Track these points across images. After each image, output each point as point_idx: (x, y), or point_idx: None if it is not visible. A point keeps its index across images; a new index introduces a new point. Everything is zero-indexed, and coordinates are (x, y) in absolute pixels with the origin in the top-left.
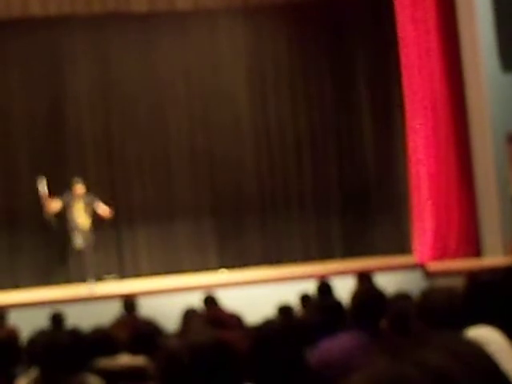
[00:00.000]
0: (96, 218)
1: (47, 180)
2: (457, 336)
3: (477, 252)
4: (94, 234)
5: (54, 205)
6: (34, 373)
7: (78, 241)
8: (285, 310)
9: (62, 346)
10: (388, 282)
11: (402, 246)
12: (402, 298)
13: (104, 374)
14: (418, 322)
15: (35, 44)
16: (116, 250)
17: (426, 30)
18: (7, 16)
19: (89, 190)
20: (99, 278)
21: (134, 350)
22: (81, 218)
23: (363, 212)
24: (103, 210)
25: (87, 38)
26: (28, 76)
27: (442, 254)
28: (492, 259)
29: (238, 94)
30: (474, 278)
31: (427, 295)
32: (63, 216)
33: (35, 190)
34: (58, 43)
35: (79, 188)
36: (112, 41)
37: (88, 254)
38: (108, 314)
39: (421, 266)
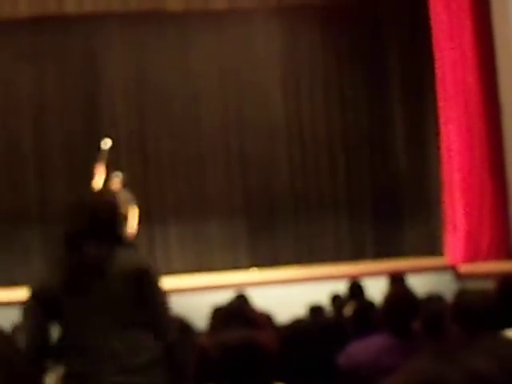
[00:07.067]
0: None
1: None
2: (505, 340)
3: (509, 255)
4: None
5: (98, 179)
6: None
7: None
8: (316, 310)
9: None
10: (419, 284)
11: (433, 247)
12: (435, 299)
13: None
14: (452, 324)
15: (71, 41)
16: (148, 247)
17: (461, 33)
18: (43, 13)
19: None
20: None
21: None
22: None
23: (395, 213)
24: (132, 221)
25: (122, 36)
26: (63, 73)
27: (473, 256)
28: None
29: (272, 93)
30: (506, 281)
31: (461, 297)
32: None
33: (68, 185)
34: (93, 41)
35: (116, 183)
36: (147, 39)
37: None
38: None
39: (452, 268)
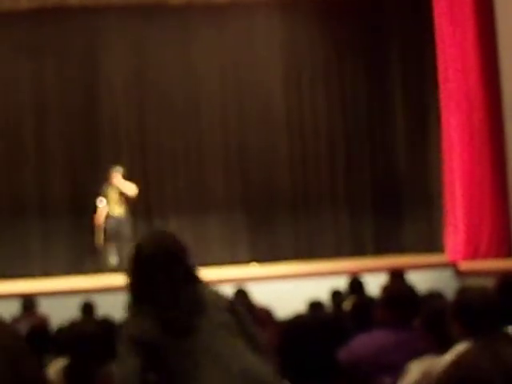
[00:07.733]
0: (124, 200)
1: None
2: None
3: (509, 252)
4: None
5: (103, 213)
6: (62, 361)
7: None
8: (315, 306)
9: (93, 336)
10: (419, 280)
11: (433, 244)
12: (435, 296)
13: None
14: (453, 321)
15: (71, 34)
16: None
17: (463, 27)
18: (43, 5)
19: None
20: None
21: None
22: (113, 205)
23: (395, 209)
24: (129, 188)
25: (123, 29)
26: (63, 66)
27: (473, 253)
28: None
29: (273, 88)
30: (507, 279)
31: (462, 294)
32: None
33: (68, 178)
34: (93, 34)
35: (115, 176)
36: (148, 33)
37: (122, 242)
38: None
39: (452, 265)
